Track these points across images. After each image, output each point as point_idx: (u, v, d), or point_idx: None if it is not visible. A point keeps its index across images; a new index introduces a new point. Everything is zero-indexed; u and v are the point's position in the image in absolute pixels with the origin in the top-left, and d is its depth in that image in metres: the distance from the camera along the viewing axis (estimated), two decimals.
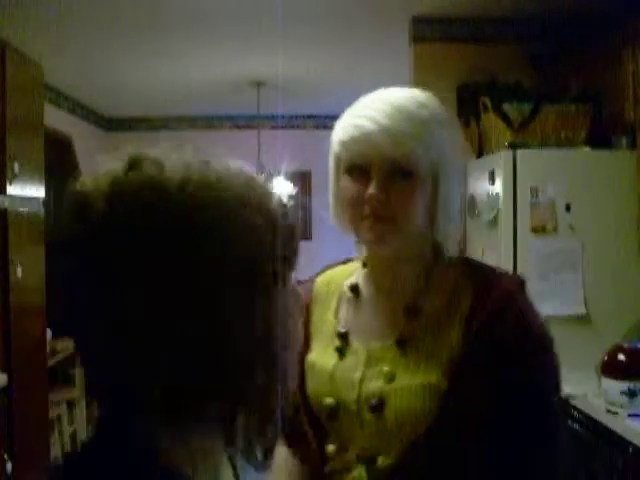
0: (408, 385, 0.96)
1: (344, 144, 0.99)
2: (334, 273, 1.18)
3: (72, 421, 3.94)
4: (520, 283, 1.00)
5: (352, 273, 1.14)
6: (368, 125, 0.95)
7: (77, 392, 3.99)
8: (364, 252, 1.10)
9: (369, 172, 0.97)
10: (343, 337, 1.06)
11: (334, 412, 1.02)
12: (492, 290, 0.97)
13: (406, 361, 0.98)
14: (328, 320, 1.11)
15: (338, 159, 1.03)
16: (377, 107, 0.98)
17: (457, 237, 1.06)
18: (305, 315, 1.10)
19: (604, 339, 2.50)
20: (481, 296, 0.97)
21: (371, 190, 0.95)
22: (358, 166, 0.98)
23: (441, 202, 1.00)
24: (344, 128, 1.00)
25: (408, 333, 0.99)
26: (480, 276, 1.02)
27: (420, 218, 0.99)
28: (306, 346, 1.09)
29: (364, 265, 1.11)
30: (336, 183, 1.05)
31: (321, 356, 1.07)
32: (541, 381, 0.96)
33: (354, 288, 1.09)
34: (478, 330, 0.94)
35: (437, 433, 0.92)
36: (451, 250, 1.04)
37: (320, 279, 1.18)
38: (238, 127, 6.28)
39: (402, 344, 0.99)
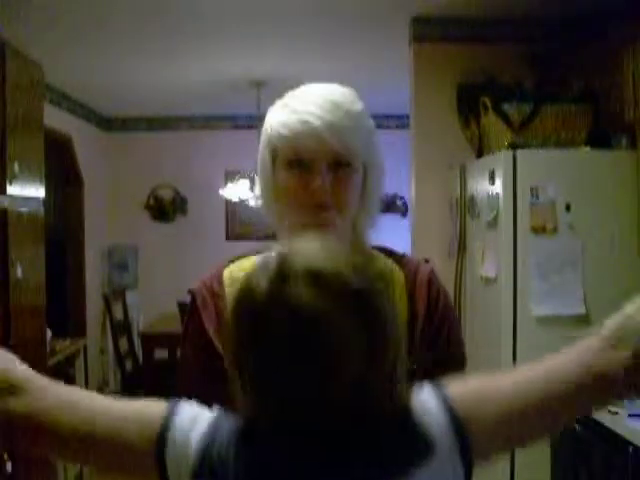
0: None
1: (287, 139, 1.02)
2: (243, 264, 1.13)
3: None
4: (432, 268, 1.16)
5: None
6: (313, 121, 1.00)
7: None
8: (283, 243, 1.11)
9: (311, 164, 1.01)
10: None
11: None
12: (418, 274, 1.11)
13: None
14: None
15: (275, 152, 1.06)
16: (317, 103, 1.02)
17: (377, 225, 1.15)
18: (222, 309, 1.07)
19: None
20: (413, 280, 1.10)
21: (318, 182, 1.01)
22: (300, 159, 1.02)
23: (369, 191, 1.09)
24: (285, 124, 1.03)
25: None
26: (406, 262, 1.13)
27: (355, 206, 1.07)
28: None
29: None
30: (272, 176, 1.08)
31: None
32: (459, 333, 1.16)
33: None
34: (419, 307, 1.07)
35: None
36: (369, 239, 1.14)
37: (229, 272, 1.13)
38: (238, 127, 6.28)
39: None
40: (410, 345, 1.03)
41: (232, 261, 1.16)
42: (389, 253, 1.15)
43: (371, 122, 1.09)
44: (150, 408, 0.80)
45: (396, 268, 1.12)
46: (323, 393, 0.70)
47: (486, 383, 0.79)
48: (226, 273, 1.14)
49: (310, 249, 0.74)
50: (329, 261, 0.72)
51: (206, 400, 0.83)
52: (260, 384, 0.73)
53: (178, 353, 1.19)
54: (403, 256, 1.16)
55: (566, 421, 0.84)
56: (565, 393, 0.77)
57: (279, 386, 0.71)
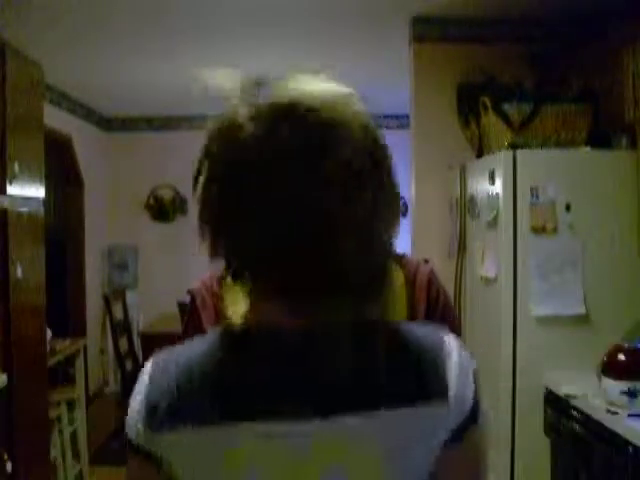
0: None
1: None
2: None
3: (72, 421, 3.93)
4: (432, 268, 1.20)
5: None
6: None
7: (77, 392, 3.99)
8: None
9: None
10: None
11: None
12: (417, 275, 1.15)
13: None
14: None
15: None
16: None
17: None
18: (222, 309, 1.08)
19: (604, 339, 2.50)
20: (412, 280, 1.14)
21: None
22: None
23: None
24: None
25: None
26: (405, 263, 1.16)
27: None
28: None
29: None
30: None
31: None
32: (459, 332, 1.15)
33: None
34: (419, 307, 1.11)
35: None
36: None
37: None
38: None
39: None
40: None
41: None
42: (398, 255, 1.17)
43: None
44: None
45: (396, 268, 1.13)
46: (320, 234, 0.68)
47: None
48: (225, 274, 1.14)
49: (296, 89, 0.75)
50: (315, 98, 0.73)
51: None
52: (250, 229, 0.72)
53: None
54: (403, 257, 1.18)
55: None
56: None
57: (275, 227, 0.69)
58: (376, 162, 0.73)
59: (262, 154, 0.69)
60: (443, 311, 1.13)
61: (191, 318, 1.15)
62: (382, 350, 0.72)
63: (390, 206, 0.74)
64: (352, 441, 0.68)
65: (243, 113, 0.74)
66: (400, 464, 0.70)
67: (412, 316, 1.09)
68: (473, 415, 0.73)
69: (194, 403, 0.71)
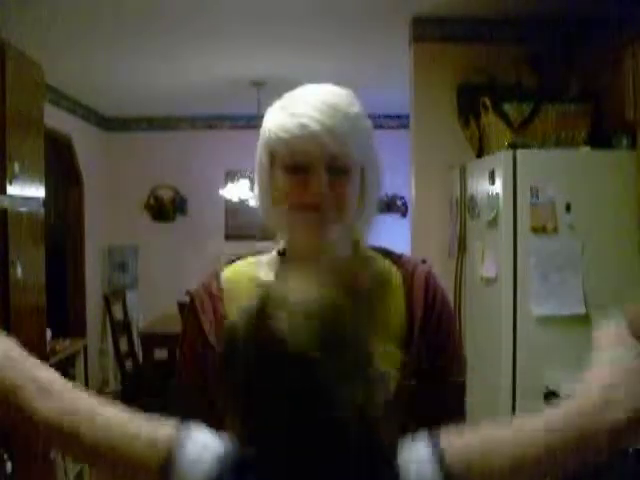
0: None
1: (286, 142, 1.02)
2: (240, 266, 1.16)
3: None
4: (430, 268, 1.17)
5: (260, 265, 1.15)
6: (312, 125, 1.00)
7: None
8: (282, 244, 1.14)
9: (309, 167, 1.02)
10: None
11: None
12: (415, 274, 1.12)
13: None
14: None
15: (274, 155, 1.06)
16: (315, 106, 1.02)
17: (375, 225, 1.17)
18: (221, 311, 1.10)
19: None
20: (410, 280, 1.12)
21: (316, 184, 1.01)
22: (299, 162, 1.02)
23: (367, 192, 1.10)
24: (284, 127, 1.03)
25: None
26: (403, 263, 1.15)
27: (353, 207, 1.07)
28: None
29: (280, 255, 1.14)
30: (270, 178, 1.08)
31: None
32: (456, 332, 1.21)
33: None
34: (417, 307, 1.10)
35: (398, 394, 1.02)
36: (367, 239, 1.16)
37: (227, 274, 1.15)
38: (238, 127, 6.28)
39: None
40: (409, 344, 1.07)
41: (230, 263, 1.18)
42: (387, 253, 1.17)
43: (369, 123, 1.09)
44: (161, 432, 0.81)
45: (394, 268, 1.13)
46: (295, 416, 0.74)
47: (484, 437, 0.83)
48: (224, 275, 1.15)
49: (286, 287, 0.79)
50: (305, 296, 0.77)
51: (205, 401, 0.84)
52: (242, 410, 0.78)
53: (177, 353, 1.21)
54: (401, 256, 1.18)
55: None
56: (558, 457, 0.80)
57: (255, 410, 0.76)
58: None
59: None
60: (441, 310, 1.12)
61: (190, 319, 1.15)
62: None
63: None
64: None
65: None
66: None
67: (410, 315, 1.09)
68: None
69: None
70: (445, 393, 1.11)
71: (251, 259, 1.17)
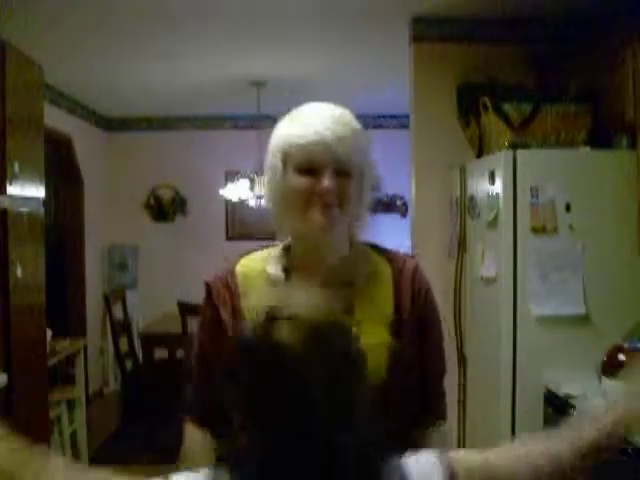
0: (365, 344, 1.05)
1: (302, 147, 1.18)
2: (251, 260, 1.30)
3: (72, 421, 3.94)
4: (417, 263, 1.33)
5: (269, 259, 1.28)
6: (324, 132, 1.17)
7: (77, 392, 3.99)
8: (288, 239, 1.29)
9: (318, 169, 1.18)
10: None
11: None
12: (404, 268, 1.28)
13: (356, 327, 1.11)
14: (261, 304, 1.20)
15: (286, 158, 1.21)
16: (325, 118, 1.20)
17: (368, 224, 1.33)
18: (237, 304, 1.23)
19: (604, 339, 2.50)
20: (399, 273, 1.27)
21: (325, 183, 1.17)
22: (310, 165, 1.18)
23: (363, 196, 1.26)
24: (300, 134, 1.19)
25: (348, 303, 1.18)
26: (393, 257, 1.30)
27: (353, 207, 1.23)
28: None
29: (285, 250, 1.28)
30: (282, 179, 1.22)
31: None
32: (440, 321, 1.35)
33: (286, 270, 1.25)
34: (405, 297, 1.25)
35: (391, 379, 1.17)
36: (361, 236, 1.32)
37: (240, 267, 1.29)
38: (238, 127, 6.29)
39: (349, 312, 1.17)
40: (399, 330, 1.22)
41: (243, 256, 1.32)
42: (378, 249, 1.32)
43: (368, 136, 1.26)
44: None
45: (384, 263, 1.28)
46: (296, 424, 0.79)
47: (487, 462, 0.90)
48: (238, 268, 1.29)
49: (291, 301, 0.87)
50: (306, 310, 0.86)
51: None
52: (248, 417, 0.84)
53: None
54: (391, 252, 1.32)
55: None
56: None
57: (263, 418, 0.82)
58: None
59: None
60: (425, 301, 1.27)
61: (208, 307, 1.26)
62: None
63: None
64: None
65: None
66: None
67: (398, 306, 1.23)
68: None
69: None
70: (428, 382, 1.29)
71: (259, 254, 1.32)
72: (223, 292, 1.25)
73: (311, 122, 1.19)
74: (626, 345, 2.34)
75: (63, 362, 3.83)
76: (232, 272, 1.28)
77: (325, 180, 1.17)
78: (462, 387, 3.23)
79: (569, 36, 3.26)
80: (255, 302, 1.23)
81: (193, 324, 4.43)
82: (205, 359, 1.27)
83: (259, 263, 1.28)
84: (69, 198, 5.58)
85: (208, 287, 1.27)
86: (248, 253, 1.32)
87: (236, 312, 1.22)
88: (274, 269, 1.25)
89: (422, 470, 0.86)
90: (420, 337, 1.25)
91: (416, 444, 1.05)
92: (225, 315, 1.23)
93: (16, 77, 2.76)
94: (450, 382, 3.47)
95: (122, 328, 5.08)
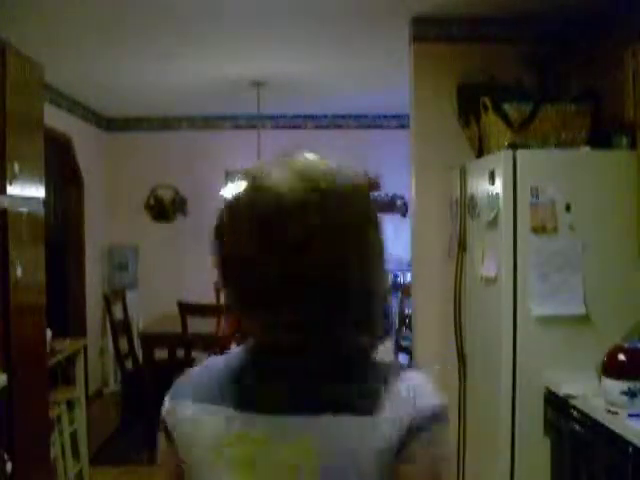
0: None
1: None
2: None
3: (72, 421, 3.93)
4: None
5: None
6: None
7: (77, 392, 3.99)
8: None
9: None
10: None
11: None
12: None
13: None
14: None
15: None
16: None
17: None
18: None
19: (604, 339, 2.50)
20: None
21: None
22: None
23: None
24: None
25: None
26: None
27: None
28: None
29: None
30: None
31: None
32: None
33: None
34: None
35: None
36: None
37: None
38: (238, 127, 6.28)
39: None
40: None
41: None
42: None
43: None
44: None
45: None
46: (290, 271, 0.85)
47: None
48: None
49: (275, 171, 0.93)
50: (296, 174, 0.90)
51: None
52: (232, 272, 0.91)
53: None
54: None
55: None
56: None
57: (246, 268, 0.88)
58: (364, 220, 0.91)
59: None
60: None
61: None
62: (350, 375, 0.89)
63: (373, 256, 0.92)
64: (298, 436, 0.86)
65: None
66: (338, 463, 0.84)
67: None
68: (411, 435, 0.84)
69: (211, 389, 0.93)
70: None
71: None
72: None
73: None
74: (626, 345, 2.34)
75: (63, 362, 3.83)
76: None
77: None
78: (462, 387, 3.23)
79: (569, 36, 3.26)
80: None
81: (193, 324, 4.44)
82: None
83: None
84: (69, 198, 5.58)
85: None
86: None
87: None
88: None
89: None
90: None
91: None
92: None
93: (16, 77, 2.76)
94: (450, 382, 3.46)
95: (122, 328, 5.08)
